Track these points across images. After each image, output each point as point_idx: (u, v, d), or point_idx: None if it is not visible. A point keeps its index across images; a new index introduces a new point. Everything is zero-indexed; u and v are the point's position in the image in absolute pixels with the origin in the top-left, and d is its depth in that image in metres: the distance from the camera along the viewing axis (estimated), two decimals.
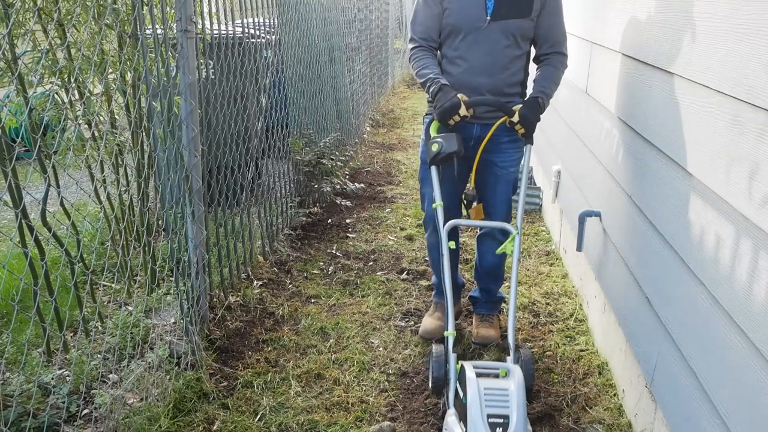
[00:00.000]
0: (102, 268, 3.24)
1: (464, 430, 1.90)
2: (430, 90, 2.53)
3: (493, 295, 3.00)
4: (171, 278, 3.17)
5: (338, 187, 4.94)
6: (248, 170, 3.66)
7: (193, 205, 2.82)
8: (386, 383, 2.68)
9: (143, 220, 3.16)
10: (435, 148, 2.44)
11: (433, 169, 2.51)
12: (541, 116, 2.54)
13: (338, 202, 4.83)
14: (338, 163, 5.04)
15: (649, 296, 2.25)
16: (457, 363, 2.17)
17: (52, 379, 2.48)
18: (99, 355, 2.61)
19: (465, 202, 2.76)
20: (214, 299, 3.14)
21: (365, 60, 7.72)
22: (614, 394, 2.57)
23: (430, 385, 2.27)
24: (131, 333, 2.70)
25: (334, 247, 4.10)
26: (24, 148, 2.50)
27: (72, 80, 2.76)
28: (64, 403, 2.34)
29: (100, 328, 2.86)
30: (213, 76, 3.28)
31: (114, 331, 2.76)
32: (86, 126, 3.05)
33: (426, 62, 2.58)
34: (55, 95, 2.85)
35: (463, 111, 2.45)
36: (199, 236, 2.85)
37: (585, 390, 2.60)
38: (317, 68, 5.18)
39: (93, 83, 3.02)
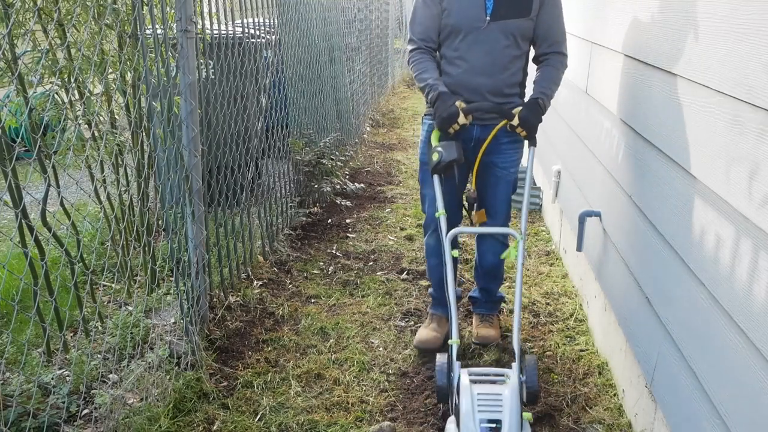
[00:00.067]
0: (102, 268, 3.24)
1: None
2: (429, 97, 2.53)
3: (493, 294, 3.00)
4: (171, 278, 3.17)
5: (338, 187, 4.94)
6: (248, 170, 3.66)
7: (193, 205, 2.82)
8: (386, 383, 2.68)
9: (143, 220, 3.16)
10: (435, 157, 2.44)
11: (436, 178, 2.49)
12: (542, 117, 2.53)
13: (338, 202, 4.83)
14: (338, 163, 5.04)
15: (649, 296, 2.25)
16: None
17: (52, 379, 2.48)
18: (99, 355, 2.61)
19: (466, 205, 2.76)
20: (214, 299, 3.14)
21: (365, 60, 7.72)
22: (614, 394, 2.57)
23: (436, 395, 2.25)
24: (131, 333, 2.70)
25: (334, 247, 4.10)
26: (24, 148, 2.50)
27: (72, 80, 2.76)
28: (64, 403, 2.34)
29: (100, 328, 2.86)
30: (213, 76, 3.28)
31: (114, 331, 2.76)
32: (86, 126, 3.05)
33: (425, 66, 2.57)
34: (55, 95, 2.85)
35: (461, 119, 2.45)
36: (199, 236, 2.85)
37: (585, 390, 2.60)
38: (317, 68, 5.18)
39: (93, 83, 3.02)
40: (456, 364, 2.11)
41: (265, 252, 3.78)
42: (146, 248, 2.87)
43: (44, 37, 2.87)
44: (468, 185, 2.75)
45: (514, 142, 2.65)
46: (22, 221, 2.22)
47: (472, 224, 2.76)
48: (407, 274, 3.71)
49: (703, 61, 1.84)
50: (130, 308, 3.04)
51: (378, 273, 3.73)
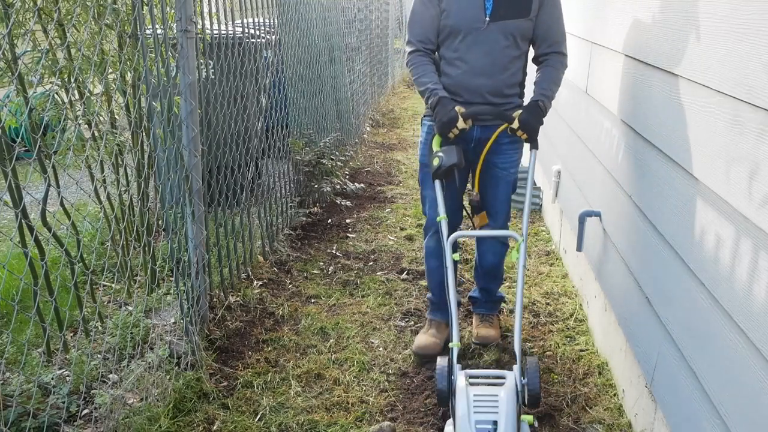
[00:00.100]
0: (102, 268, 3.24)
1: None
2: (429, 102, 2.53)
3: (493, 294, 2.99)
4: (171, 278, 3.17)
5: (338, 187, 4.94)
6: (248, 170, 3.66)
7: (193, 205, 2.82)
8: (386, 383, 2.68)
9: (143, 220, 3.16)
10: (436, 162, 2.45)
11: (437, 183, 2.49)
12: (543, 120, 2.52)
13: (338, 202, 4.83)
14: (338, 163, 5.04)
15: (649, 296, 2.25)
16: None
17: (52, 379, 2.48)
18: (99, 355, 2.61)
19: (470, 208, 2.75)
20: (214, 299, 3.14)
21: (365, 60, 7.72)
22: (614, 394, 2.57)
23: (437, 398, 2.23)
24: (131, 333, 2.70)
25: (334, 247, 4.10)
26: (24, 148, 2.50)
27: (72, 80, 2.76)
28: (64, 403, 2.34)
29: (100, 328, 2.86)
30: (213, 76, 3.28)
31: (114, 331, 2.76)
32: (86, 126, 3.05)
33: (424, 69, 2.57)
34: (55, 95, 2.85)
35: (461, 124, 2.44)
36: (199, 236, 2.85)
37: (585, 390, 2.60)
38: (317, 68, 5.18)
39: (93, 83, 3.02)
40: (456, 366, 2.09)
41: (265, 252, 3.78)
42: (146, 248, 2.87)
43: (44, 37, 2.87)
44: (469, 186, 2.75)
45: (513, 142, 2.65)
46: (22, 221, 2.22)
47: (473, 226, 2.75)
48: (407, 274, 3.71)
49: (703, 61, 1.84)
50: (130, 308, 3.04)
51: (378, 273, 3.73)
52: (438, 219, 2.47)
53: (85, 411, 2.40)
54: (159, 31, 2.69)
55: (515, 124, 2.47)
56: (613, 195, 2.71)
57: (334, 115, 5.75)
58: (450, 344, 2.20)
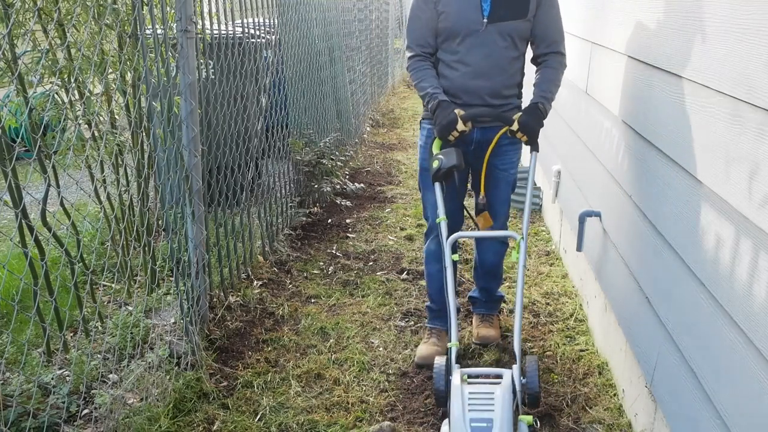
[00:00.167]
0: (102, 268, 3.24)
1: None
2: (429, 106, 2.53)
3: (493, 294, 2.99)
4: (171, 278, 3.17)
5: (338, 187, 4.94)
6: (248, 170, 3.66)
7: (193, 205, 2.82)
8: (386, 383, 2.68)
9: (143, 220, 3.16)
10: (436, 164, 2.45)
11: (437, 185, 2.48)
12: (544, 122, 2.51)
13: (338, 202, 4.84)
14: (338, 163, 5.04)
15: (649, 296, 2.25)
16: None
17: (52, 379, 2.48)
18: (99, 355, 2.61)
19: (475, 210, 2.74)
20: (214, 299, 3.14)
21: (365, 60, 7.72)
22: (614, 394, 2.57)
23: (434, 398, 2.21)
24: (131, 333, 2.70)
25: (334, 247, 4.10)
26: (24, 148, 2.50)
27: (72, 80, 2.76)
28: (64, 403, 2.34)
29: (100, 328, 2.86)
30: (213, 76, 3.28)
31: (114, 331, 2.76)
32: (86, 126, 3.06)
33: (424, 74, 2.57)
34: (55, 95, 2.85)
35: (460, 126, 2.44)
36: (199, 236, 2.85)
37: (585, 390, 2.60)
38: (317, 68, 5.19)
39: (93, 83, 3.02)
40: (455, 367, 2.08)
41: (265, 252, 3.78)
42: (146, 248, 2.87)
43: (44, 37, 2.87)
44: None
45: (513, 143, 2.65)
46: (22, 221, 2.22)
47: (477, 227, 2.74)
48: (407, 274, 3.71)
49: (703, 61, 1.84)
50: (130, 308, 3.04)
51: (378, 273, 3.73)
52: (437, 220, 2.47)
53: (85, 411, 2.40)
54: (159, 31, 2.69)
55: (515, 127, 2.47)
56: (613, 195, 2.71)
57: (334, 115, 5.76)
58: (448, 344, 2.20)
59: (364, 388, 2.65)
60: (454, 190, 2.68)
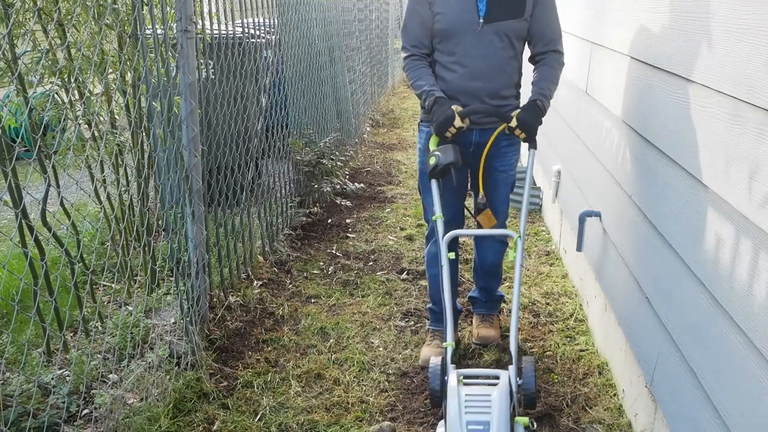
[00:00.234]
0: (102, 268, 3.24)
1: None
2: (426, 103, 2.51)
3: (493, 294, 2.99)
4: (171, 278, 3.17)
5: (338, 187, 4.94)
6: (248, 170, 3.66)
7: (193, 205, 2.82)
8: (386, 383, 2.68)
9: (143, 220, 3.16)
10: (432, 161, 2.42)
11: (434, 182, 2.47)
12: (542, 119, 2.50)
13: (338, 202, 4.84)
14: (338, 163, 5.04)
15: (649, 296, 2.25)
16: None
17: (52, 379, 2.48)
18: (99, 355, 2.61)
19: (475, 210, 2.73)
20: (214, 299, 3.14)
21: (365, 60, 7.72)
22: (614, 394, 2.57)
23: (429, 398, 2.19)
24: (131, 333, 2.70)
25: (334, 247, 4.10)
26: (24, 148, 2.50)
27: (72, 80, 2.76)
28: (64, 403, 2.34)
29: (100, 328, 2.86)
30: (213, 76, 3.28)
31: (114, 331, 2.76)
32: (86, 126, 3.06)
33: (420, 73, 2.55)
34: (55, 95, 2.85)
35: (458, 122, 2.42)
36: (199, 236, 2.85)
37: (585, 390, 2.60)
38: (317, 68, 5.19)
39: (93, 83, 3.02)
40: (450, 367, 2.06)
41: (265, 252, 3.78)
42: (146, 248, 2.87)
43: (44, 37, 2.87)
44: (480, 195, 2.72)
45: (512, 144, 2.64)
46: (22, 221, 2.22)
47: (479, 227, 2.72)
48: (407, 274, 3.71)
49: (703, 61, 1.84)
50: (130, 308, 3.04)
51: (378, 273, 3.73)
52: (433, 218, 2.45)
53: (85, 411, 2.40)
54: (159, 31, 2.69)
55: (513, 123, 2.46)
56: (613, 195, 2.71)
57: (334, 115, 5.76)
58: (444, 344, 2.18)
59: (364, 388, 2.65)
60: (452, 194, 2.66)
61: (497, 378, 1.99)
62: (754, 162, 1.54)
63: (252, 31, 3.87)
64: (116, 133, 3.12)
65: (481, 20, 2.45)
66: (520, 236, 2.33)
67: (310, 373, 2.74)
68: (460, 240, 3.95)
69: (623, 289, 2.54)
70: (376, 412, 2.50)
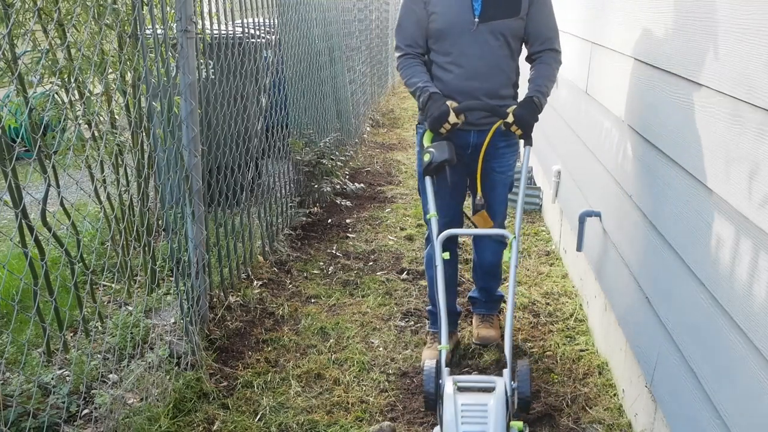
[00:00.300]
0: (102, 268, 3.24)
1: None
2: (420, 100, 2.48)
3: (493, 294, 2.99)
4: (171, 278, 3.17)
5: (338, 187, 4.94)
6: (248, 170, 3.66)
7: (193, 205, 2.82)
8: (386, 383, 2.68)
9: (143, 220, 3.16)
10: (427, 158, 2.38)
11: (428, 179, 2.44)
12: (539, 116, 2.49)
13: (338, 202, 4.84)
14: (338, 163, 5.04)
15: (649, 296, 2.25)
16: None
17: (52, 379, 2.48)
18: (99, 355, 2.61)
19: (473, 210, 2.71)
20: (214, 299, 3.14)
21: (365, 60, 7.72)
22: (614, 394, 2.57)
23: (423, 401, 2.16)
24: (131, 333, 2.70)
25: (334, 247, 4.10)
26: (24, 148, 2.50)
27: (72, 80, 2.76)
28: (64, 403, 2.34)
29: (100, 328, 2.86)
30: (213, 76, 3.28)
31: (114, 331, 2.76)
32: (86, 126, 3.06)
33: (413, 71, 2.53)
34: (55, 95, 2.85)
35: (452, 118, 2.39)
36: (199, 236, 2.85)
37: (585, 390, 2.60)
38: (317, 68, 5.19)
39: (93, 83, 3.02)
40: (445, 370, 2.04)
41: (265, 252, 3.78)
42: (146, 248, 2.87)
43: (44, 37, 2.87)
44: (477, 195, 2.71)
45: (510, 145, 2.64)
46: (22, 221, 2.22)
47: (475, 227, 2.71)
48: (407, 274, 3.71)
49: (703, 61, 1.84)
50: (130, 308, 3.04)
51: (378, 273, 3.73)
52: (427, 216, 2.43)
53: (85, 411, 2.40)
54: (159, 31, 2.69)
55: (510, 119, 2.43)
56: (613, 195, 2.71)
57: (334, 115, 5.76)
58: (438, 347, 2.15)
59: (364, 388, 2.65)
60: (449, 196, 2.64)
61: (491, 384, 1.96)
62: (754, 162, 1.54)
63: (252, 31, 3.87)
64: (116, 133, 3.12)
65: (476, 19, 2.44)
66: (515, 237, 2.31)
67: (310, 373, 2.74)
68: (460, 240, 3.95)
69: (623, 289, 2.54)
70: (376, 412, 2.50)
